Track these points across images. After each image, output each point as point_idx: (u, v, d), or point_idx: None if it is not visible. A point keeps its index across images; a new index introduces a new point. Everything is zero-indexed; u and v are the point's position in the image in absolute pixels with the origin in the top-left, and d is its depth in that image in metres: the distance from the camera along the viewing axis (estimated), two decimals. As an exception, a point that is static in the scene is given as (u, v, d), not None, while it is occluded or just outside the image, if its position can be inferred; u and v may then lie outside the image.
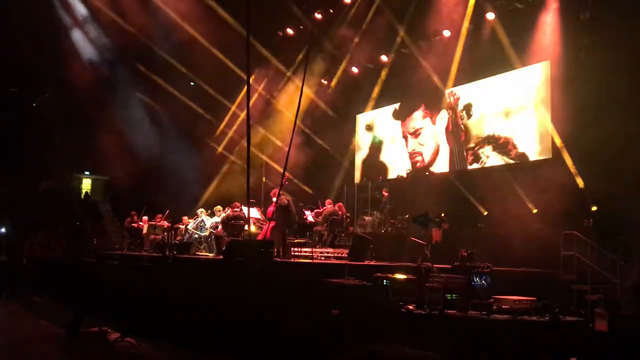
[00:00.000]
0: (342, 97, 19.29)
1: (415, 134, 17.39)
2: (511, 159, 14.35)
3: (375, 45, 17.26)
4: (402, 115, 17.96)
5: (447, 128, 16.32)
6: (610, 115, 11.25)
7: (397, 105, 18.13)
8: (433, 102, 16.70)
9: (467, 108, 15.72)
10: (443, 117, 16.47)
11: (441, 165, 16.48)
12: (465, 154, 15.66)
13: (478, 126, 15.41)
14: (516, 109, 14.49)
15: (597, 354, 7.29)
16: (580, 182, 12.30)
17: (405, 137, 17.80)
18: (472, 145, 15.47)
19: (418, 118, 17.36)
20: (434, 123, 16.78)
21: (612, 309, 8.44)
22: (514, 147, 14.28)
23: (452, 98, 16.19)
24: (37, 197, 19.84)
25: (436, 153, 16.66)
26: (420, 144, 17.24)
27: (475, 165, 15.30)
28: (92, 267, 12.28)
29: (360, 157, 19.66)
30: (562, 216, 11.43)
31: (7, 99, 19.44)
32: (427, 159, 16.95)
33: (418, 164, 17.23)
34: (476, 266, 8.89)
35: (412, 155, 17.49)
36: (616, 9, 11.88)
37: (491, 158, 14.90)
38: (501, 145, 14.63)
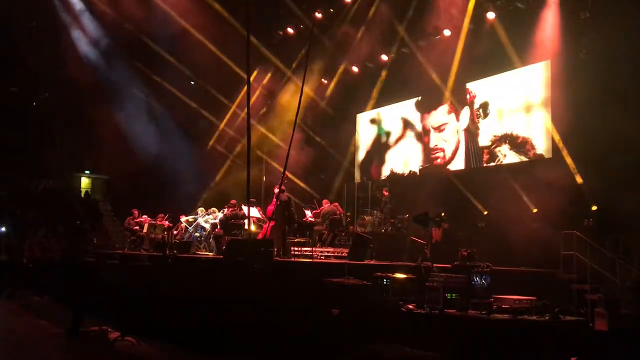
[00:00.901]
0: (343, 96, 19.29)
1: (440, 129, 16.90)
2: (529, 157, 14.14)
3: (376, 44, 17.26)
4: (425, 108, 17.44)
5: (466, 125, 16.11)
6: (611, 115, 11.24)
7: (419, 98, 17.60)
8: (456, 98, 16.34)
9: (484, 106, 15.52)
10: (465, 113, 16.14)
11: (458, 163, 16.19)
12: (480, 152, 15.45)
13: (493, 124, 15.28)
14: (518, 109, 14.50)
15: (597, 354, 7.30)
16: (580, 181, 12.29)
17: (427, 130, 17.27)
18: (488, 143, 15.29)
19: (443, 113, 16.84)
20: (457, 119, 16.39)
21: (612, 309, 8.45)
22: (532, 147, 14.07)
23: (468, 95, 16.02)
24: (37, 196, 19.83)
25: (456, 150, 16.32)
26: (444, 140, 16.76)
27: (492, 164, 15.09)
28: (92, 267, 12.27)
29: (361, 155, 19.63)
30: (562, 216, 11.43)
31: (6, 99, 19.43)
32: (448, 155, 16.55)
33: (439, 160, 16.81)
34: (476, 265, 8.89)
35: (433, 150, 17.02)
36: (616, 8, 11.86)
37: (508, 156, 14.71)
38: (519, 144, 14.43)
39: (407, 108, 18.06)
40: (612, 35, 11.71)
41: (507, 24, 14.10)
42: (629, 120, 10.83)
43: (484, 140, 15.43)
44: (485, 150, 15.31)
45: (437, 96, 16.84)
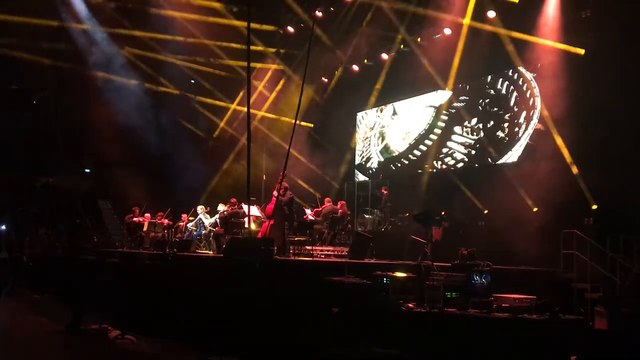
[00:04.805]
0: (343, 94, 19.28)
1: (441, 127, 16.74)
2: (529, 157, 14.07)
3: (376, 42, 17.26)
4: (424, 107, 17.33)
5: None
6: (612, 113, 11.23)
7: (418, 97, 17.50)
8: (456, 96, 16.22)
9: (484, 105, 15.47)
10: (465, 111, 16.05)
11: (461, 161, 16.06)
12: (484, 150, 15.38)
13: (492, 123, 15.26)
14: (518, 108, 14.51)
15: (597, 353, 7.30)
16: (580, 180, 12.28)
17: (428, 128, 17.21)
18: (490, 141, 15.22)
19: (444, 110, 16.65)
20: (457, 118, 16.27)
21: (612, 308, 8.46)
22: (532, 146, 14.00)
23: (469, 93, 15.98)
24: (37, 194, 19.84)
25: (459, 147, 16.19)
26: (445, 138, 16.61)
27: (500, 161, 14.98)
28: (92, 265, 12.29)
29: (361, 153, 19.63)
30: (562, 215, 11.43)
31: (7, 96, 19.42)
32: (450, 153, 16.36)
33: (447, 159, 16.53)
34: (476, 264, 8.90)
35: (436, 148, 16.85)
36: (617, 6, 11.85)
37: (508, 155, 14.68)
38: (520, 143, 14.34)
39: (407, 107, 18.03)
40: (613, 33, 11.68)
41: (507, 23, 14.08)
42: (632, 119, 10.82)
43: (485, 138, 15.41)
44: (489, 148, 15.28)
45: (438, 94, 16.87)
